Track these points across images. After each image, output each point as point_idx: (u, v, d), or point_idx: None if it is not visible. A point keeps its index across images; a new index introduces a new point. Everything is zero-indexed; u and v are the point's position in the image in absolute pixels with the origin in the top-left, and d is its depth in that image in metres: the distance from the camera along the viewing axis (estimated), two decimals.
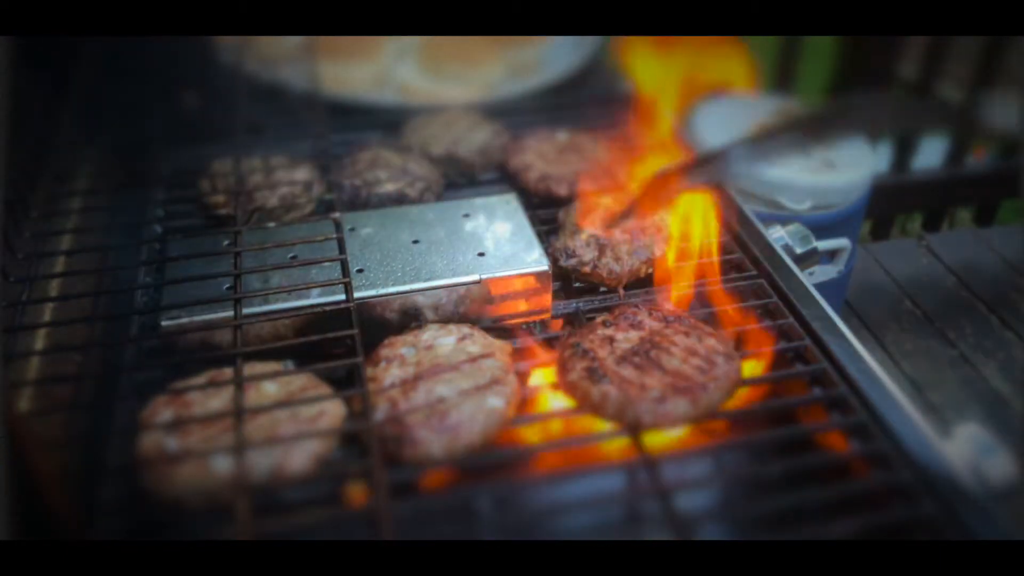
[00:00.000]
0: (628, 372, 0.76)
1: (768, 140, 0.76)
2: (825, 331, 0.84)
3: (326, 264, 0.85)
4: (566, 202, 1.04)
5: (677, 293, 0.89)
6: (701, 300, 0.92)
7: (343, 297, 0.81)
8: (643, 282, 0.94)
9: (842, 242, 1.46)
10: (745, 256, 0.97)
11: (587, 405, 0.75)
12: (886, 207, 2.12)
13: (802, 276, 0.93)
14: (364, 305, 0.83)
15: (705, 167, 0.76)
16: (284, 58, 1.31)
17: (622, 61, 0.99)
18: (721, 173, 0.77)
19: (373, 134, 1.20)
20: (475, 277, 0.85)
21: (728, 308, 0.88)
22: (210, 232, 0.93)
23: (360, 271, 0.86)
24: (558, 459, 0.73)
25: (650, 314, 0.83)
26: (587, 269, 0.92)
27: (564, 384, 0.78)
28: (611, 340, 0.80)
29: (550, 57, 1.53)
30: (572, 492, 0.72)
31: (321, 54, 1.29)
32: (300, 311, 0.81)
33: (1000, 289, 1.85)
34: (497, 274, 0.86)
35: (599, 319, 0.84)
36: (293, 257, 0.87)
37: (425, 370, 0.76)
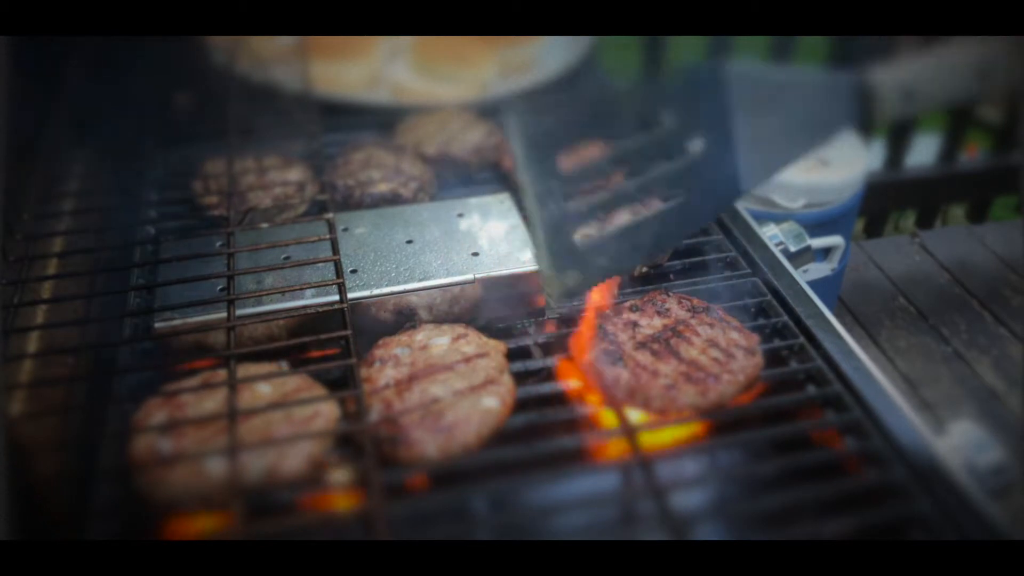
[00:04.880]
0: (644, 357, 0.78)
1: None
2: (819, 329, 0.84)
3: (320, 265, 0.85)
4: None
5: None
6: None
7: (337, 298, 0.80)
8: (638, 280, 0.94)
9: (836, 240, 1.47)
10: (739, 254, 0.98)
11: (600, 386, 0.77)
12: (879, 204, 2.13)
13: (796, 274, 0.93)
14: (358, 306, 0.83)
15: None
16: (277, 58, 1.31)
17: None
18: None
19: (366, 134, 1.20)
20: (469, 277, 0.85)
21: None
22: (203, 233, 0.92)
23: (354, 271, 0.86)
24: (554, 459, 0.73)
25: (679, 302, 0.84)
26: None
27: (582, 364, 0.79)
28: (634, 325, 0.82)
29: (543, 56, 1.53)
30: (568, 492, 0.72)
31: (314, 54, 1.29)
32: (294, 312, 0.81)
33: (993, 285, 1.85)
34: (492, 273, 0.86)
35: (627, 303, 0.85)
36: (286, 258, 0.87)
37: (420, 370, 0.76)
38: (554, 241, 0.64)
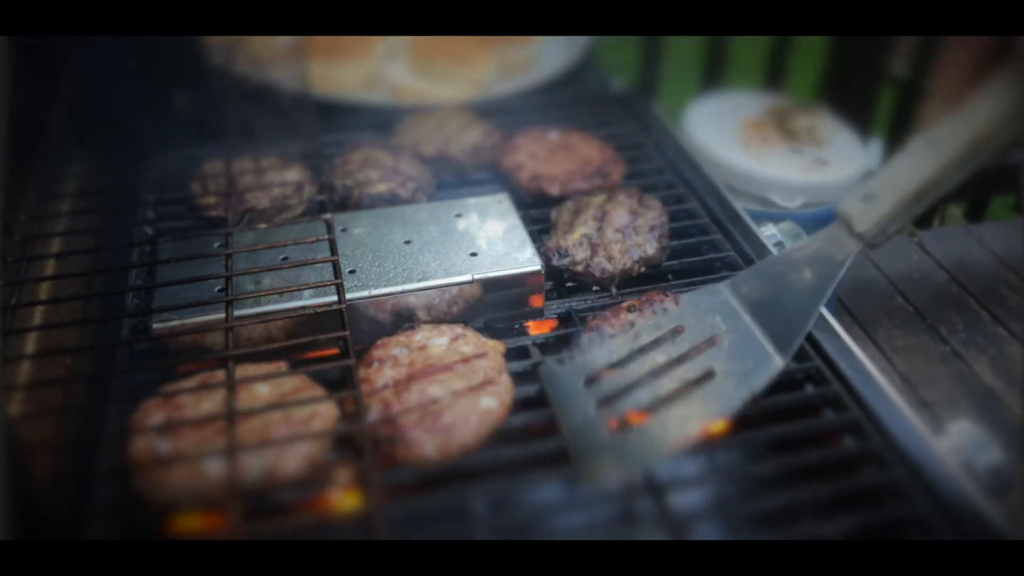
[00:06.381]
0: None
1: None
2: (818, 329, 0.84)
3: (318, 265, 0.85)
4: (558, 201, 1.04)
5: None
6: None
7: (335, 298, 0.80)
8: (636, 281, 0.94)
9: None
10: (737, 254, 0.98)
11: None
12: None
13: None
14: (356, 306, 0.83)
15: None
16: (275, 59, 1.31)
17: None
18: None
19: (364, 134, 1.20)
20: (468, 277, 0.85)
21: None
22: (201, 234, 0.92)
23: (352, 272, 0.85)
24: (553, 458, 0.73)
25: (677, 303, 0.84)
26: (580, 268, 0.92)
27: None
28: (632, 325, 0.81)
29: (541, 56, 1.53)
30: (567, 492, 0.72)
31: (312, 54, 1.29)
32: (292, 313, 0.81)
33: (991, 285, 1.85)
34: (490, 274, 0.86)
35: (624, 303, 0.84)
36: (284, 258, 0.87)
37: (418, 371, 0.76)
38: (586, 436, 0.70)
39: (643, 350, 0.75)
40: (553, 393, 0.75)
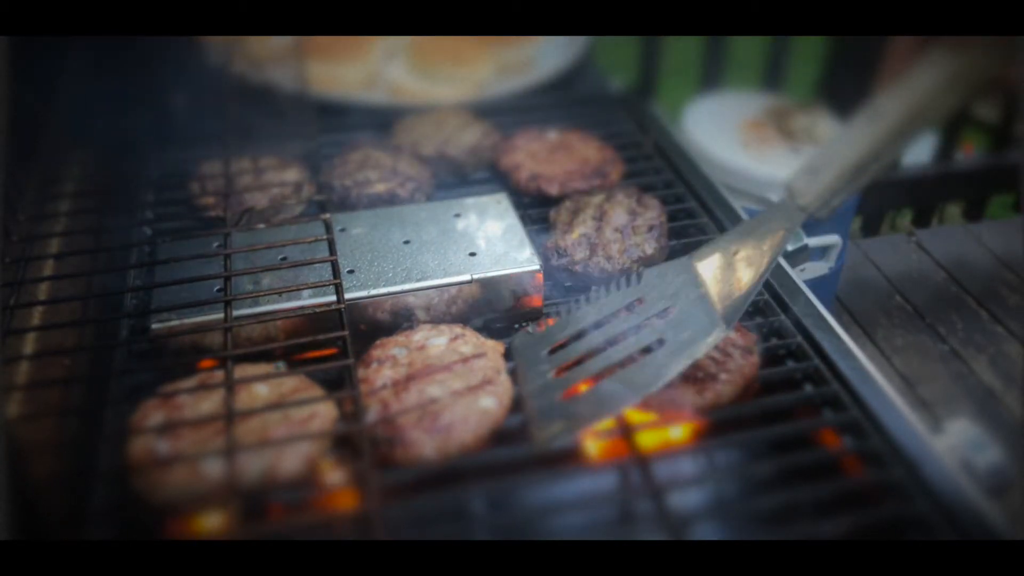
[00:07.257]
0: None
1: None
2: (816, 328, 0.84)
3: (317, 265, 0.85)
4: (557, 201, 1.04)
5: None
6: None
7: (334, 298, 0.80)
8: (638, 279, 0.94)
9: (833, 238, 1.47)
10: None
11: None
12: (876, 203, 2.13)
13: (793, 273, 0.93)
14: (355, 306, 0.83)
15: None
16: (273, 58, 1.31)
17: None
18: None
19: (363, 134, 1.20)
20: (466, 277, 0.85)
21: None
22: (200, 234, 0.92)
23: (351, 272, 0.86)
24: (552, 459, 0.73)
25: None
26: (578, 268, 0.92)
27: None
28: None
29: (540, 56, 1.53)
30: (566, 492, 0.72)
31: (310, 54, 1.29)
32: (291, 313, 0.81)
33: (990, 284, 1.85)
34: (489, 274, 0.86)
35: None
36: (283, 259, 0.87)
37: (417, 371, 0.76)
38: (541, 400, 0.74)
39: (605, 321, 0.78)
40: (520, 362, 0.79)
